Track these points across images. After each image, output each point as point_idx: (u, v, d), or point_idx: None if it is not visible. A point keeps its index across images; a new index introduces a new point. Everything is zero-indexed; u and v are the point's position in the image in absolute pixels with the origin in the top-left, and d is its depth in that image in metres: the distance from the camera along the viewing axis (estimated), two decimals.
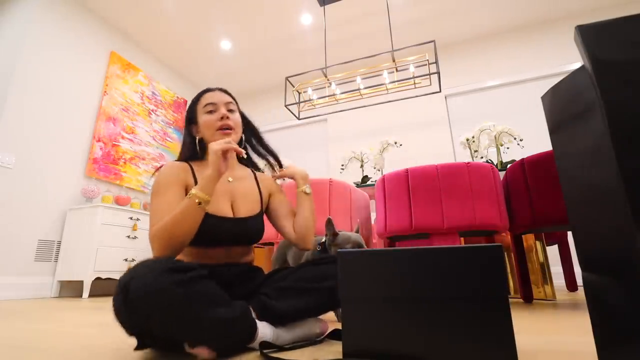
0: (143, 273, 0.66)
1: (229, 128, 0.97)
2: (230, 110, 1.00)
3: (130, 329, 0.70)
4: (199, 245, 0.88)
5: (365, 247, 1.31)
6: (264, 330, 0.78)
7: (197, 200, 0.79)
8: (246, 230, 0.94)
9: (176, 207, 0.84)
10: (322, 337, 0.91)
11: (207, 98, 0.99)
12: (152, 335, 0.70)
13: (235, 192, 0.98)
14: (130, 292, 0.64)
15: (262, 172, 1.15)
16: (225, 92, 1.03)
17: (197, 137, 1.00)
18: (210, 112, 0.97)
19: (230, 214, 0.93)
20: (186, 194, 0.88)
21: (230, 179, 0.99)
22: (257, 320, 0.78)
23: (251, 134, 1.11)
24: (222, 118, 0.96)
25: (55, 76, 3.22)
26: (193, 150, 1.00)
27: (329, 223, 1.19)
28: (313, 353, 0.77)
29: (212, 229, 0.88)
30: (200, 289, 0.68)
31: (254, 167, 1.13)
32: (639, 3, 3.66)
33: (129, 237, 3.20)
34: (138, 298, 0.64)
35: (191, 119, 1.02)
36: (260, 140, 1.12)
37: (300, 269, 0.91)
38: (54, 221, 3.07)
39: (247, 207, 0.98)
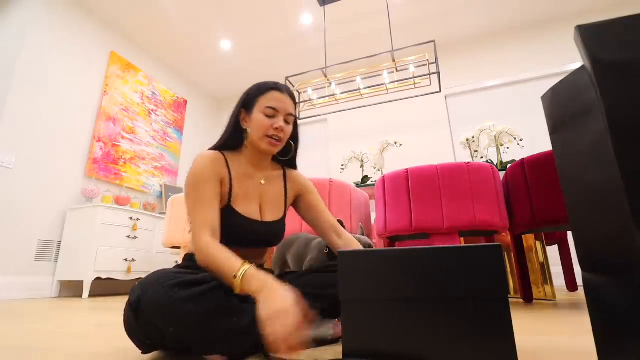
0: (153, 288, 0.67)
1: (279, 140, 0.94)
2: (287, 122, 0.96)
3: (142, 343, 0.71)
4: (223, 243, 0.88)
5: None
6: None
7: (234, 278, 0.73)
8: (270, 234, 0.97)
9: (216, 203, 0.86)
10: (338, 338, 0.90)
11: (274, 99, 0.93)
12: (164, 346, 0.71)
13: (264, 195, 0.99)
14: (141, 308, 0.66)
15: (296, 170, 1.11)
16: (293, 98, 0.98)
17: (244, 127, 0.96)
18: (269, 116, 0.92)
19: (258, 217, 0.95)
20: (221, 187, 0.89)
21: (263, 182, 0.99)
22: None
23: (293, 142, 1.06)
24: (277, 129, 0.92)
25: (55, 76, 3.22)
26: (231, 140, 0.97)
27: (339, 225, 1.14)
28: (313, 353, 0.77)
29: (240, 230, 0.89)
30: (210, 301, 0.69)
31: (293, 166, 1.10)
32: (639, 3, 3.65)
33: (129, 237, 3.20)
34: (149, 314, 0.65)
35: (248, 105, 0.96)
36: (294, 151, 1.07)
37: (308, 275, 0.93)
38: (54, 221, 3.07)
39: (273, 211, 0.99)
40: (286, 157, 1.05)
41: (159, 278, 0.69)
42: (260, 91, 0.95)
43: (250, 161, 0.98)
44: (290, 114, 0.96)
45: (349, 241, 1.01)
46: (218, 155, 0.93)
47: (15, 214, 2.78)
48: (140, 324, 0.67)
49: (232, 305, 0.72)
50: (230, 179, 0.92)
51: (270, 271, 1.03)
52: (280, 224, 1.00)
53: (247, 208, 0.93)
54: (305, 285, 0.88)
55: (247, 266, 0.75)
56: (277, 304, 0.66)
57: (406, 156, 4.14)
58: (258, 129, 0.92)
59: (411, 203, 1.70)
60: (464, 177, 1.64)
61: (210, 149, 0.96)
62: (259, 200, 0.97)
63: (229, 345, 0.70)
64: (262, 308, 0.67)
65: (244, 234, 0.91)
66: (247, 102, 0.96)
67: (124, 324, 0.71)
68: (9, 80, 2.88)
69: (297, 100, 3.78)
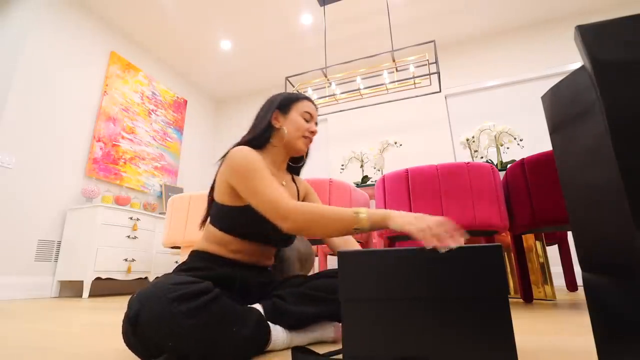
0: (152, 303, 0.66)
1: (311, 141, 1.06)
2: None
3: (142, 355, 0.70)
4: (243, 234, 0.89)
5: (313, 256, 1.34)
6: (278, 335, 0.79)
7: (356, 225, 0.77)
8: (289, 234, 0.98)
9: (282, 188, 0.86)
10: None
11: (309, 107, 1.05)
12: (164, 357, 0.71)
13: None
14: (139, 323, 0.65)
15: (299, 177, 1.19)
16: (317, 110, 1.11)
17: (276, 126, 1.02)
18: (306, 120, 1.04)
19: None
20: None
21: (284, 183, 1.04)
22: (270, 325, 0.79)
23: None
24: (313, 132, 1.04)
25: (55, 76, 3.22)
26: (262, 138, 1.01)
27: None
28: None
29: (265, 226, 0.87)
30: (211, 313, 0.68)
31: (297, 173, 1.16)
32: (639, 3, 3.65)
33: (129, 237, 3.20)
34: (148, 330, 0.64)
35: (284, 107, 1.03)
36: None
37: (317, 279, 0.93)
38: (54, 221, 3.07)
39: None
40: (299, 164, 1.13)
41: (158, 291, 0.67)
42: (294, 99, 1.06)
43: (274, 161, 1.03)
44: (317, 122, 1.08)
45: (347, 239, 1.09)
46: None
47: (15, 214, 2.78)
48: (138, 337, 0.66)
49: (233, 313, 0.72)
50: None
51: (270, 273, 1.03)
52: None
53: None
54: (313, 288, 0.88)
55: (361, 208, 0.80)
56: (412, 215, 0.71)
57: (406, 156, 4.14)
58: (297, 129, 1.01)
59: (411, 203, 1.70)
60: (464, 177, 1.64)
61: (236, 145, 0.97)
62: None
63: (230, 355, 0.69)
64: (400, 216, 0.72)
65: (266, 230, 0.89)
66: (283, 104, 1.04)
67: (123, 337, 0.70)
68: (10, 80, 2.88)
69: None
